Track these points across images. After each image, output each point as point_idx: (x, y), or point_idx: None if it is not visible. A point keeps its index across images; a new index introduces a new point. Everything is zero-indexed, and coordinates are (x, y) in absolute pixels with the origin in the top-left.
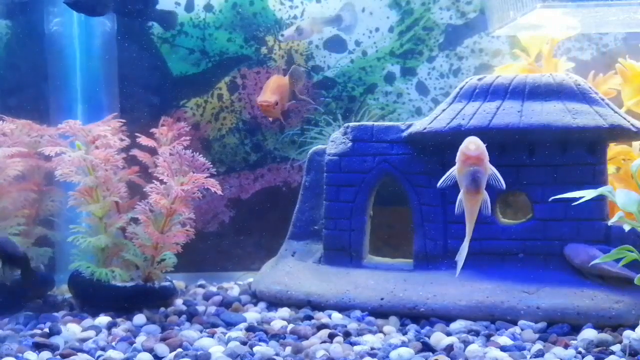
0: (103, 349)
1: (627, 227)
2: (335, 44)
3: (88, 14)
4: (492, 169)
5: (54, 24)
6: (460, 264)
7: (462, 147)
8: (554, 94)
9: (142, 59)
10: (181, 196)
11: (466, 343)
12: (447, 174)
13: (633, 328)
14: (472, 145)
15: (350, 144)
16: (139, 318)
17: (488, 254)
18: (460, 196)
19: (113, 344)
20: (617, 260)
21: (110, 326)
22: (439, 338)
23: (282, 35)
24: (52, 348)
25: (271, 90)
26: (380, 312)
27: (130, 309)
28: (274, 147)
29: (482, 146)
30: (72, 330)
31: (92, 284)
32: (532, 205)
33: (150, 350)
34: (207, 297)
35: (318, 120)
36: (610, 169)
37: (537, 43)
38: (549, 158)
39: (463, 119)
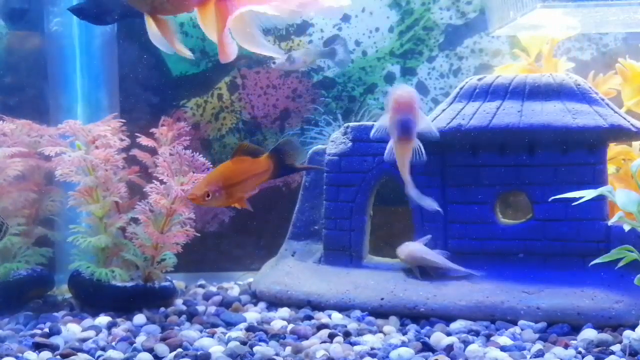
0: (103, 349)
1: (627, 227)
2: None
3: (93, 22)
4: (423, 117)
5: (54, 24)
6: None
7: (392, 95)
8: (554, 94)
9: (142, 59)
10: (181, 196)
11: (466, 343)
12: (378, 123)
13: (633, 328)
14: (403, 93)
15: (350, 144)
16: (139, 318)
17: (488, 254)
18: (390, 144)
19: (113, 344)
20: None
21: (110, 326)
22: (439, 338)
23: (274, 63)
24: (52, 348)
25: (208, 181)
26: (380, 312)
27: (130, 309)
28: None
29: (413, 93)
30: (72, 330)
31: (92, 284)
32: (532, 205)
33: (150, 350)
34: (207, 297)
35: (318, 120)
36: (610, 169)
37: (537, 43)
38: (549, 158)
39: (463, 119)
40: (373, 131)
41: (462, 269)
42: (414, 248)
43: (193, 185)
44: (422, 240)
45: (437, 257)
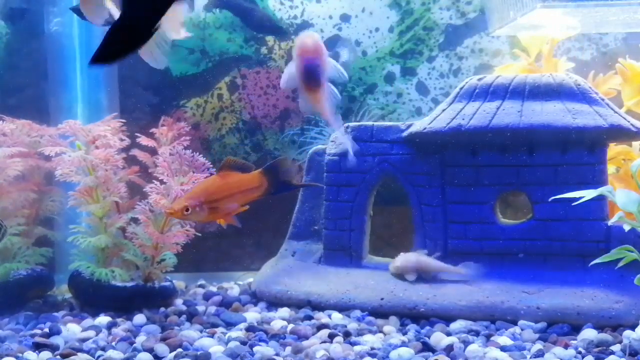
0: (103, 349)
1: (627, 227)
2: (336, 44)
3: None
4: (333, 63)
5: (54, 24)
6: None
7: (297, 42)
8: (554, 94)
9: (142, 59)
10: (181, 196)
11: (466, 343)
12: (286, 71)
13: (633, 328)
14: (308, 39)
15: None
16: (139, 318)
17: (488, 254)
18: (303, 94)
19: (113, 344)
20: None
21: (110, 326)
22: (439, 338)
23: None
24: (52, 348)
25: (188, 195)
26: (380, 312)
27: (130, 309)
28: (274, 147)
29: (318, 39)
30: (72, 330)
31: (92, 284)
32: (532, 205)
33: (150, 350)
34: (207, 297)
35: (318, 120)
36: (610, 169)
37: (537, 43)
38: (549, 158)
39: (463, 119)
40: (282, 81)
41: (453, 268)
42: (405, 258)
43: (192, 186)
44: (418, 252)
45: (430, 260)
